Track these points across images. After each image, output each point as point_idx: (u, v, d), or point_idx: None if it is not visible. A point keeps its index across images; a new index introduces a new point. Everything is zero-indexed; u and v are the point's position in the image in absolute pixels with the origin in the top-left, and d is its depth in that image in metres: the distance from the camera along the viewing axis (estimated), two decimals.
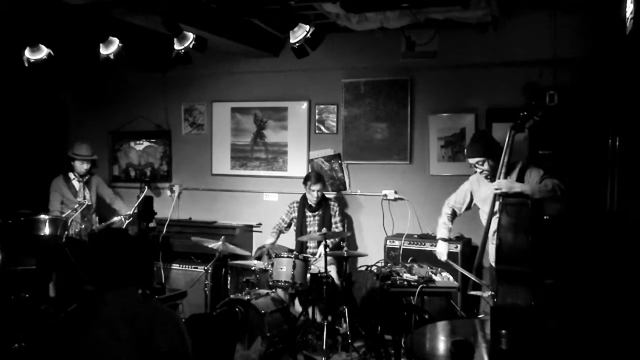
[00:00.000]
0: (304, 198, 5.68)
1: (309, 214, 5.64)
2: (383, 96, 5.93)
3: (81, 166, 5.65)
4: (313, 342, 4.87)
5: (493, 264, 4.25)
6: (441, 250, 4.63)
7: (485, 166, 4.22)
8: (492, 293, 3.90)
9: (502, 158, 4.04)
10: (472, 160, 4.29)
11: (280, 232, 5.83)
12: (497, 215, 4.01)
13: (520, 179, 4.11)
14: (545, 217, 4.10)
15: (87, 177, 5.75)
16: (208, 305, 5.10)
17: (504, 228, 3.90)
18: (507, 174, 4.08)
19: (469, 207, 4.58)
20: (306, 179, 5.59)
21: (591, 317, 3.56)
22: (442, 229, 4.67)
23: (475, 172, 4.40)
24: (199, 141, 6.78)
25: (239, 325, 4.66)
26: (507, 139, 4.04)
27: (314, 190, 5.49)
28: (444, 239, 4.65)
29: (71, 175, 5.70)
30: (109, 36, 4.89)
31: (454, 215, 4.67)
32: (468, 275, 4.20)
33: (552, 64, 5.12)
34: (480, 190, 4.40)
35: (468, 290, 4.23)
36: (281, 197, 6.33)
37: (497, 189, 3.99)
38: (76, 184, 5.69)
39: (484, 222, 4.23)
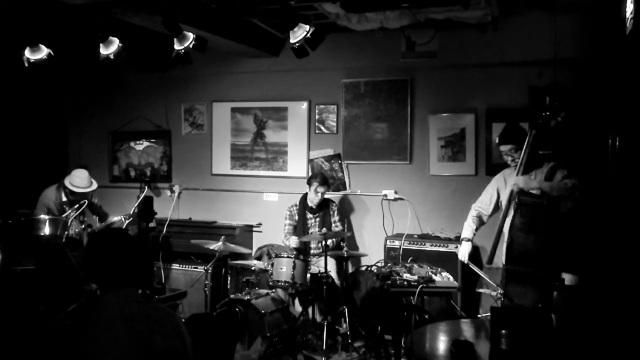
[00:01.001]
0: (303, 200, 5.65)
1: (309, 215, 5.62)
2: (383, 96, 5.93)
3: (75, 198, 5.32)
4: (313, 342, 4.87)
5: (503, 264, 4.23)
6: (463, 251, 4.46)
7: (518, 154, 4.20)
8: (500, 293, 3.90)
9: (522, 157, 4.05)
10: (504, 147, 4.28)
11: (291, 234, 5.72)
12: (511, 214, 4.00)
13: (549, 177, 4.11)
14: (558, 218, 4.08)
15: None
16: (208, 305, 5.10)
17: (516, 228, 3.89)
18: (531, 170, 4.09)
19: (495, 208, 4.45)
20: (312, 179, 5.53)
21: (591, 316, 3.55)
22: (467, 229, 4.52)
23: (505, 164, 4.36)
24: (199, 141, 6.78)
25: (239, 325, 4.66)
26: (527, 138, 4.04)
27: (319, 192, 5.45)
28: (467, 239, 4.48)
29: (64, 196, 5.42)
30: (109, 36, 4.90)
31: (479, 219, 4.53)
32: (484, 277, 4.16)
33: (552, 64, 5.12)
34: (507, 186, 4.38)
35: (476, 288, 4.23)
36: (281, 197, 6.33)
37: (515, 185, 4.01)
38: (67, 208, 5.33)
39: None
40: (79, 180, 5.38)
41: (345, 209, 6.06)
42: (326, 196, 5.75)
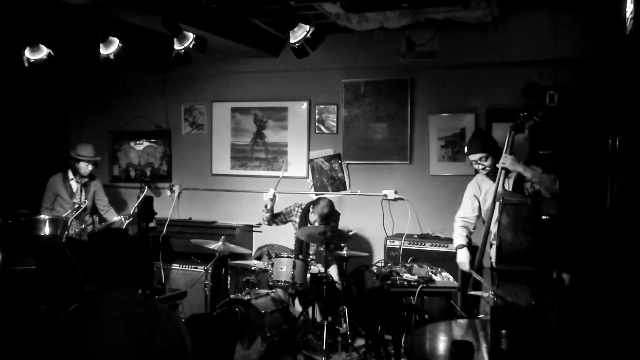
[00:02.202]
0: (306, 212, 5.57)
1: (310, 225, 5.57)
2: (383, 96, 5.93)
3: (86, 168, 5.61)
4: (313, 342, 4.86)
5: (493, 264, 4.25)
6: (463, 260, 4.39)
7: (488, 162, 4.24)
8: (493, 293, 3.91)
9: (499, 176, 4.07)
10: (474, 157, 4.30)
11: (273, 214, 5.58)
12: (497, 215, 4.02)
13: (520, 178, 4.13)
14: (543, 217, 4.11)
15: (86, 179, 5.71)
16: (208, 305, 5.10)
17: (503, 227, 3.92)
18: (507, 173, 4.11)
19: (479, 215, 4.46)
20: (314, 211, 5.30)
21: (591, 316, 3.56)
22: (459, 238, 4.47)
23: (476, 172, 4.40)
24: (199, 141, 6.78)
25: (239, 325, 4.65)
26: (507, 139, 4.06)
27: (316, 224, 5.28)
28: (462, 245, 4.42)
29: (70, 175, 5.66)
30: (109, 36, 4.89)
31: (467, 229, 4.50)
32: (484, 284, 4.12)
33: (552, 64, 5.13)
34: (482, 191, 4.40)
35: (468, 290, 4.23)
36: (281, 197, 6.31)
37: (502, 164, 4.04)
38: (74, 184, 5.65)
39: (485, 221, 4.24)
40: (86, 151, 5.64)
41: (346, 209, 6.06)
42: (329, 197, 5.72)
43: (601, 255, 4.24)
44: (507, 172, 4.13)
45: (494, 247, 4.11)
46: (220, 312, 4.72)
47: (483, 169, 4.30)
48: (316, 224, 5.30)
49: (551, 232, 4.10)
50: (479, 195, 4.45)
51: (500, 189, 4.05)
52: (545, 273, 3.98)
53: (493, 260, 4.24)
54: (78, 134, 7.26)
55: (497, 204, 4.02)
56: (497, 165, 4.11)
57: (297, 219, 5.60)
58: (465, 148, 4.52)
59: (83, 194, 5.67)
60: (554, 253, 4.09)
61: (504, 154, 4.09)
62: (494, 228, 4.12)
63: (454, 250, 4.58)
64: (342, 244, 5.37)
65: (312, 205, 5.42)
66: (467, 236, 4.49)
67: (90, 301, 2.23)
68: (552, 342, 2.75)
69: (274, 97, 6.38)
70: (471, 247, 5.26)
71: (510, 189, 4.16)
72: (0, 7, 4.55)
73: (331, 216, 5.36)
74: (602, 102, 4.84)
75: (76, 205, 5.44)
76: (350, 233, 5.49)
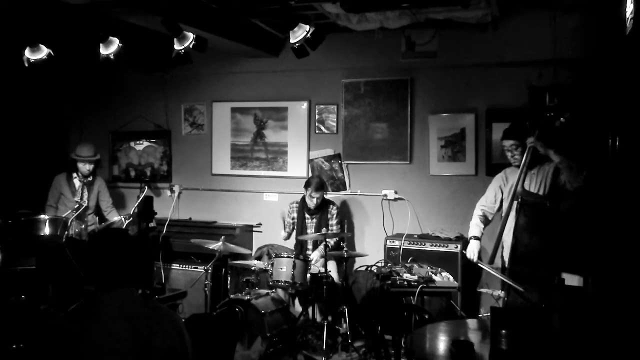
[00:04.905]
0: (303, 200, 5.65)
1: (307, 216, 5.62)
2: (383, 96, 5.93)
3: (84, 167, 5.61)
4: (313, 342, 4.87)
5: (506, 265, 4.23)
6: (472, 249, 4.47)
7: (518, 152, 4.25)
8: (503, 293, 3.90)
9: (525, 158, 4.09)
10: (506, 142, 4.34)
11: (290, 231, 5.78)
12: (514, 213, 4.01)
13: (555, 173, 4.17)
14: (560, 218, 4.12)
15: (90, 178, 5.72)
16: (208, 305, 5.10)
17: (520, 228, 3.90)
18: (532, 168, 4.16)
19: (500, 206, 4.50)
20: (307, 185, 5.50)
21: (592, 317, 3.55)
22: (474, 228, 4.55)
23: (508, 159, 4.40)
24: (199, 141, 6.78)
25: (239, 325, 4.65)
26: (531, 138, 4.07)
27: (313, 198, 5.44)
28: (475, 237, 4.50)
29: (74, 174, 5.68)
30: (109, 36, 4.90)
31: (485, 218, 4.58)
32: (502, 278, 4.10)
33: (552, 64, 5.12)
34: (508, 184, 4.42)
35: (478, 288, 4.22)
36: (281, 197, 6.33)
37: (531, 142, 4.09)
38: (77, 183, 5.67)
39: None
40: (84, 150, 5.64)
41: (346, 209, 6.06)
42: (329, 197, 5.75)
43: (603, 255, 4.23)
44: (534, 154, 4.11)
45: (508, 246, 4.10)
46: (220, 312, 4.73)
47: (512, 156, 4.31)
48: (315, 200, 5.46)
49: (566, 233, 4.09)
50: (505, 187, 4.46)
51: (519, 188, 4.05)
52: (556, 275, 3.97)
53: (506, 259, 4.22)
54: (78, 134, 7.26)
55: (515, 203, 4.01)
56: (526, 143, 4.10)
57: (295, 214, 5.66)
58: (502, 133, 4.54)
59: (86, 193, 5.68)
60: (567, 255, 4.08)
61: (518, 177, 4.10)
62: (508, 228, 4.11)
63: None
64: (342, 244, 5.38)
65: (306, 189, 5.50)
66: (482, 229, 4.55)
67: (90, 301, 2.23)
68: (554, 343, 2.75)
69: (274, 97, 6.38)
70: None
71: (535, 190, 4.15)
72: (0, 7, 4.55)
73: (324, 184, 5.63)
74: (602, 102, 4.84)
75: (76, 205, 5.44)
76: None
